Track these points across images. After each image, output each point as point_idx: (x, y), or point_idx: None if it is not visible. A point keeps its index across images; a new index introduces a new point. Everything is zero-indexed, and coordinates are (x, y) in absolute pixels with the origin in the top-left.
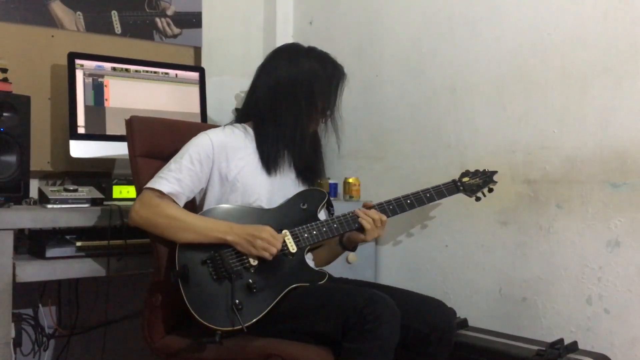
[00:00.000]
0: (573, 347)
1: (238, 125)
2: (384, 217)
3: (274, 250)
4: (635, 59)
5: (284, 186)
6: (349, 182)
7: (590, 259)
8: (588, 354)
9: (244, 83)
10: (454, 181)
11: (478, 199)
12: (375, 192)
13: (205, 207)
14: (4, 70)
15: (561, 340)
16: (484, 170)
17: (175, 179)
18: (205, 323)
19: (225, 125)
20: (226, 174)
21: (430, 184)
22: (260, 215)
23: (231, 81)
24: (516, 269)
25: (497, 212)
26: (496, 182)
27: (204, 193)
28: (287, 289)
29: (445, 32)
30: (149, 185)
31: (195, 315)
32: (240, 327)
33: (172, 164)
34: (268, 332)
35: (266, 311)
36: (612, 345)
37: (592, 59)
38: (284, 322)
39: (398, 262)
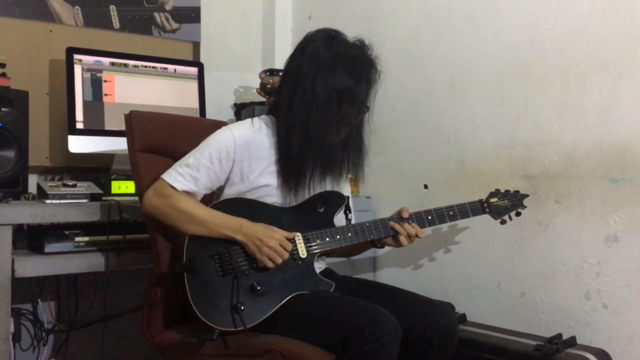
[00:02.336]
0: (571, 342)
1: (267, 119)
2: (421, 234)
3: (279, 261)
4: (634, 54)
5: (306, 188)
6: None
7: (589, 254)
8: (586, 349)
9: (243, 78)
10: (480, 201)
11: (503, 222)
12: (373, 187)
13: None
14: (2, 65)
15: (559, 335)
16: (515, 191)
17: (191, 177)
18: (205, 320)
19: (254, 118)
20: (247, 174)
21: (429, 179)
22: (275, 214)
23: (230, 76)
24: (515, 264)
25: None
26: (526, 206)
27: (222, 189)
28: (290, 296)
29: (444, 27)
30: (164, 177)
31: (196, 311)
32: (242, 328)
33: (191, 158)
34: (265, 332)
35: (266, 316)
36: (611, 340)
37: (591, 54)
38: (282, 327)
39: (397, 257)
